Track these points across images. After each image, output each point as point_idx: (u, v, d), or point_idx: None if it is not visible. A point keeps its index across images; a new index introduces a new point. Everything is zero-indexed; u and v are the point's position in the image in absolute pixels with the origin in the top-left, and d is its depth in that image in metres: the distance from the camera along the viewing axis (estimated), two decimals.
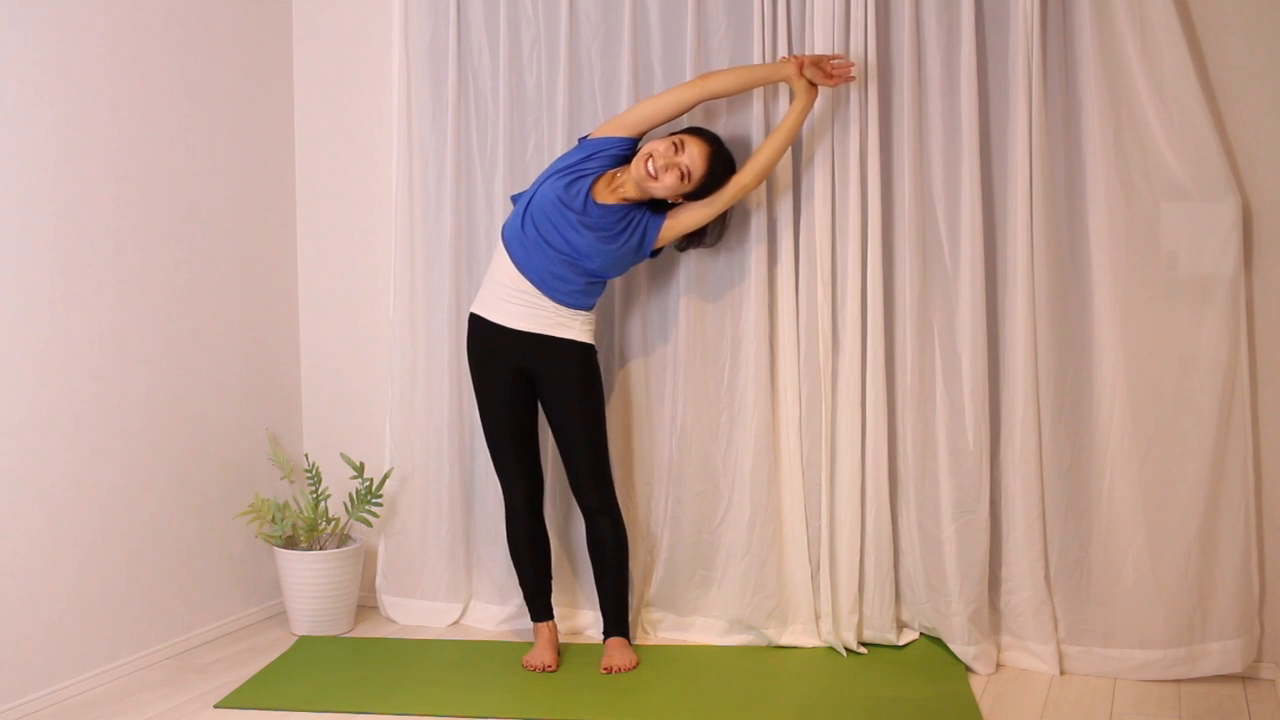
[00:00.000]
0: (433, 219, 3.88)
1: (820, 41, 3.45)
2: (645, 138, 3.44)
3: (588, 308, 3.45)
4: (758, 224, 3.56)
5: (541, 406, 3.51)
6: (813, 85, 3.36)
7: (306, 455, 4.07)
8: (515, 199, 3.52)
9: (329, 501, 3.97)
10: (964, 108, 3.38)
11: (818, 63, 3.33)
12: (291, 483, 3.99)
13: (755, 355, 3.57)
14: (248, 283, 3.92)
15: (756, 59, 3.51)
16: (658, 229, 3.42)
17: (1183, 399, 3.28)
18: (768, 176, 3.45)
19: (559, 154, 3.69)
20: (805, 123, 3.45)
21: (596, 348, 3.49)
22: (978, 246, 3.39)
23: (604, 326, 3.73)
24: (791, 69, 3.34)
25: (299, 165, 4.12)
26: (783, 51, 3.51)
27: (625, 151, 3.40)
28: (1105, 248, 3.31)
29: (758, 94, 3.53)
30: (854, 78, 3.39)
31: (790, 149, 3.50)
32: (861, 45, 3.43)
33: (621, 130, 3.40)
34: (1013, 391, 3.39)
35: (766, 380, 3.57)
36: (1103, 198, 3.30)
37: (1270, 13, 3.22)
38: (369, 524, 3.90)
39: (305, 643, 3.75)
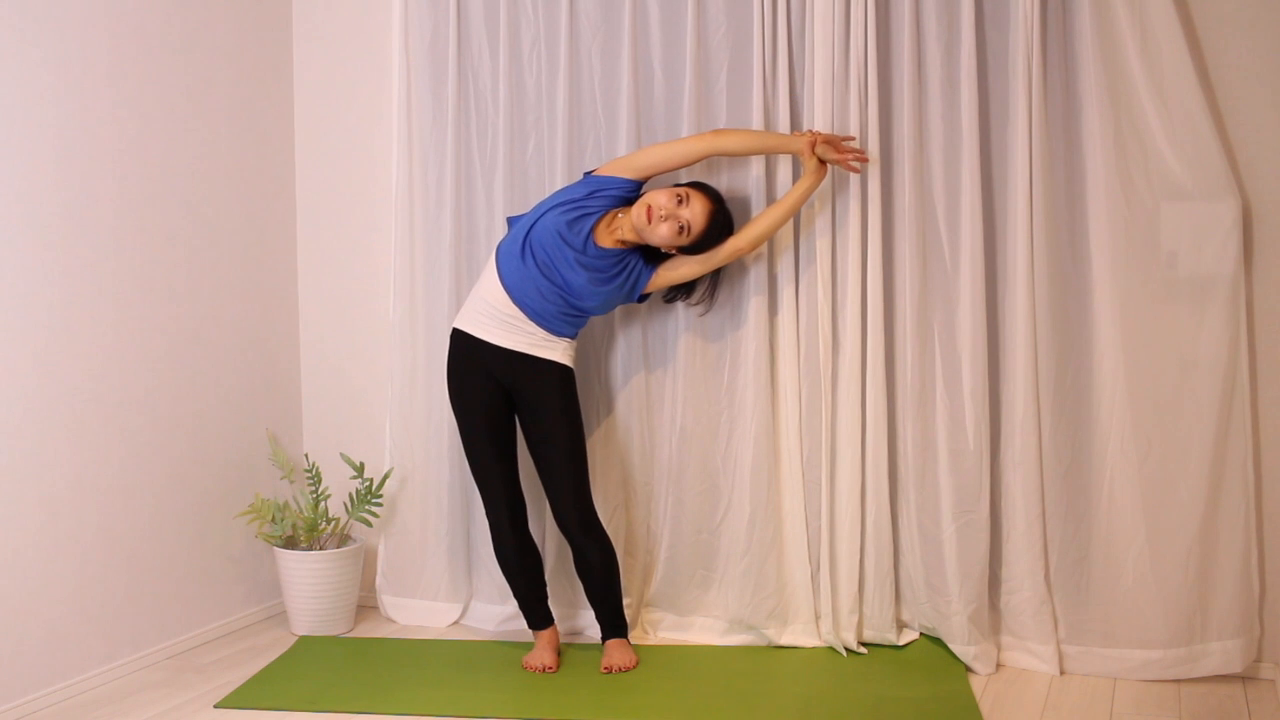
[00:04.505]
0: (433, 219, 3.88)
1: (820, 41, 3.45)
2: (649, 183, 3.44)
3: (571, 335, 3.45)
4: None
5: (521, 427, 3.50)
6: (822, 165, 3.37)
7: (306, 455, 4.07)
8: (511, 221, 3.51)
9: (329, 501, 3.97)
10: (964, 108, 3.38)
11: (830, 141, 3.35)
12: (291, 483, 4.00)
13: (755, 355, 3.57)
14: (248, 283, 3.92)
15: (756, 60, 3.51)
16: (649, 277, 3.44)
17: (1183, 399, 3.28)
18: (762, 245, 3.47)
19: (559, 154, 3.70)
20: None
21: (576, 370, 3.49)
22: (978, 246, 3.39)
23: (604, 326, 3.73)
24: (804, 144, 3.35)
25: (299, 165, 4.12)
26: (782, 54, 3.50)
27: (628, 194, 3.39)
28: (1105, 248, 3.31)
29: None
30: (860, 168, 3.40)
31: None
32: (862, 45, 3.43)
33: (626, 172, 3.40)
34: (1013, 391, 3.39)
35: (766, 380, 3.57)
36: (1103, 198, 3.30)
37: (1270, 13, 3.22)
38: (369, 524, 3.90)
39: (305, 643, 3.75)
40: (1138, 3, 3.23)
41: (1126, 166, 3.28)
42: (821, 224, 3.51)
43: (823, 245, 3.51)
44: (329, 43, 4.07)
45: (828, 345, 3.52)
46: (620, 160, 3.44)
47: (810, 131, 3.39)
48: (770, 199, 3.54)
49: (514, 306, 3.37)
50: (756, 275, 3.57)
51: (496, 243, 3.69)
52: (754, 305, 3.57)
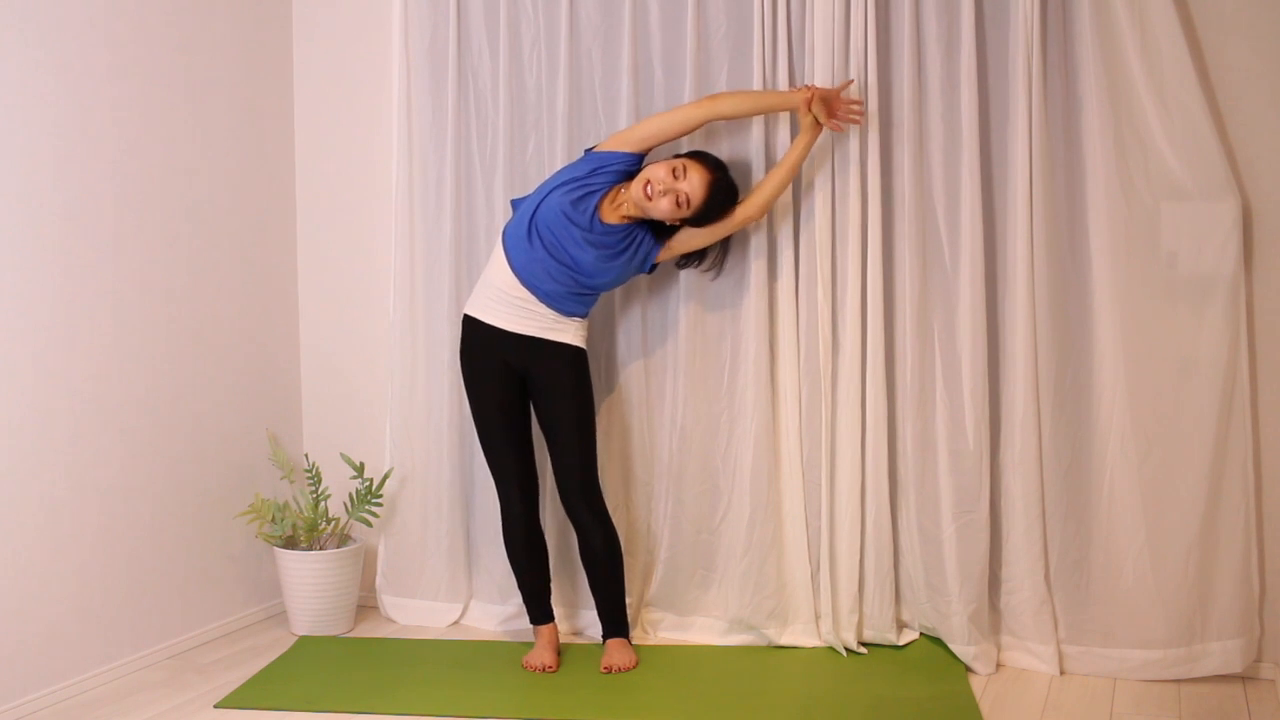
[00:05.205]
0: (433, 219, 3.88)
1: (820, 41, 3.45)
2: (651, 155, 3.44)
3: (582, 315, 3.45)
4: (757, 225, 3.55)
5: (534, 410, 3.51)
6: (818, 122, 3.37)
7: (306, 455, 4.07)
8: (515, 204, 3.52)
9: (329, 501, 3.97)
10: (964, 108, 3.38)
11: (826, 98, 3.34)
12: (291, 483, 3.99)
13: (755, 355, 3.57)
14: (248, 283, 3.92)
15: (756, 60, 3.51)
16: (658, 249, 3.45)
17: (1183, 399, 3.28)
18: (769, 209, 3.47)
19: (559, 154, 3.69)
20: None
21: (588, 352, 3.49)
22: (978, 246, 3.39)
23: (604, 325, 3.73)
24: (801, 99, 3.35)
25: (299, 165, 4.12)
26: (782, 54, 3.50)
27: (630, 168, 3.39)
28: (1105, 248, 3.31)
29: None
30: (860, 121, 3.40)
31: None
32: (861, 46, 3.43)
33: (627, 146, 3.39)
34: (1013, 391, 3.39)
35: (766, 380, 3.57)
36: (1103, 198, 3.30)
37: (1270, 13, 3.22)
38: (369, 524, 3.90)
39: (305, 643, 3.75)
40: (1138, 3, 3.23)
41: (1126, 166, 3.28)
42: (821, 223, 3.51)
43: (823, 245, 3.51)
44: (329, 43, 4.07)
45: (828, 345, 3.52)
46: (620, 134, 3.44)
47: (807, 87, 3.38)
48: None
49: (524, 289, 3.37)
50: (757, 275, 3.56)
51: (496, 243, 3.69)
52: (754, 306, 3.57)
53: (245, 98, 3.90)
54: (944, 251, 3.45)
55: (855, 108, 3.39)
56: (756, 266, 3.57)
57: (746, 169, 3.54)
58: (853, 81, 3.41)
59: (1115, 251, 3.30)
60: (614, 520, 3.64)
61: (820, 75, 3.45)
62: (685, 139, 3.50)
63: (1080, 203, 3.34)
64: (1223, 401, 3.24)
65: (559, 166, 3.68)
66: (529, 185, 3.76)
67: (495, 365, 3.44)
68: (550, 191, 3.37)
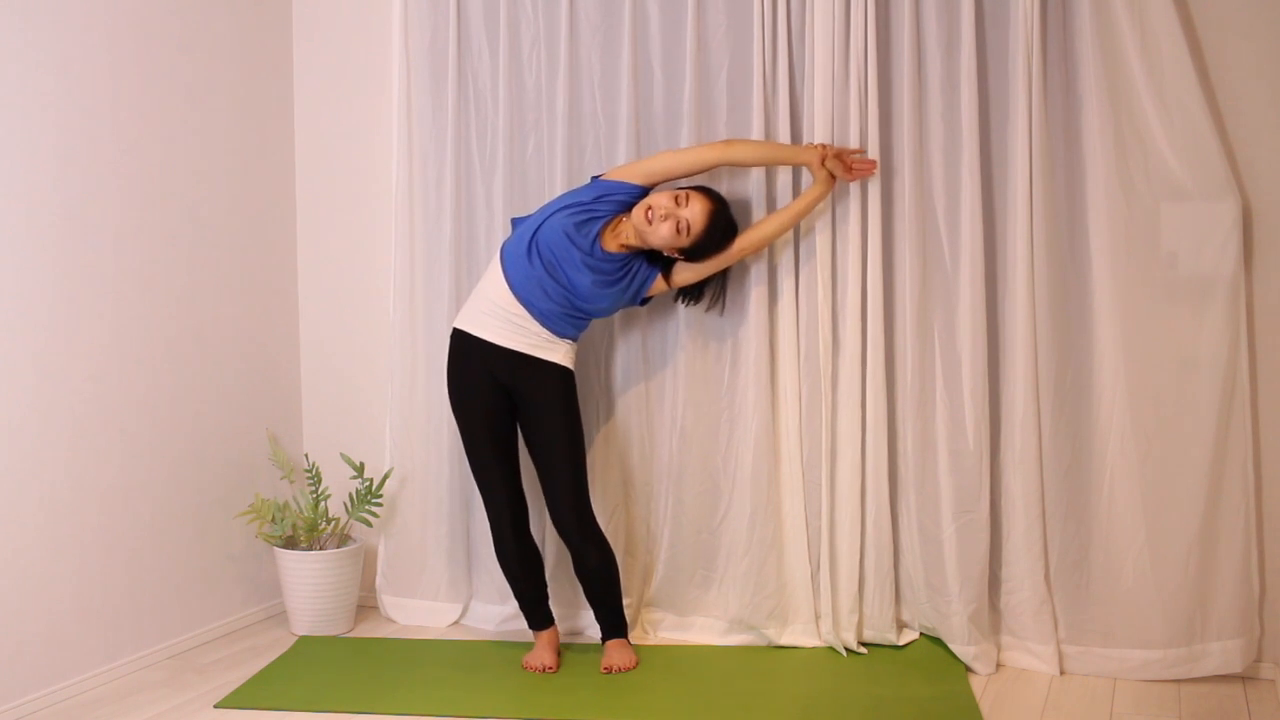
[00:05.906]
0: (433, 219, 3.88)
1: (820, 41, 3.45)
2: (655, 189, 3.44)
3: (573, 338, 3.45)
4: None
5: (521, 428, 3.50)
6: (832, 176, 3.38)
7: (306, 455, 4.07)
8: (516, 222, 3.51)
9: (329, 501, 3.97)
10: (964, 108, 3.38)
11: (840, 155, 3.36)
12: (291, 483, 3.99)
13: (755, 355, 3.57)
14: (248, 283, 3.92)
15: (756, 60, 3.51)
16: (653, 280, 3.45)
17: (1183, 399, 3.28)
18: (765, 247, 3.48)
19: (559, 154, 3.70)
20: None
21: (578, 372, 3.49)
22: (978, 246, 3.39)
23: (604, 326, 3.73)
24: (814, 156, 3.36)
25: (299, 165, 4.12)
26: (782, 54, 3.51)
27: (633, 200, 3.39)
28: (1105, 248, 3.31)
29: None
30: (872, 173, 3.41)
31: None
32: (861, 45, 3.43)
33: (633, 178, 3.39)
34: (1013, 391, 3.39)
35: (766, 380, 3.57)
36: (1103, 198, 3.30)
37: (1270, 13, 3.22)
38: (369, 524, 3.90)
39: (305, 643, 3.75)
40: (1138, 3, 3.23)
41: (1126, 166, 3.28)
42: (821, 224, 3.51)
43: (823, 245, 3.51)
44: (329, 43, 4.07)
45: (828, 345, 3.52)
46: (628, 166, 3.44)
47: (820, 145, 3.39)
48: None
49: (519, 305, 3.36)
50: (757, 277, 3.57)
51: (496, 243, 3.70)
52: (754, 306, 3.57)
53: (245, 98, 3.90)
54: (944, 251, 3.45)
55: (869, 162, 3.40)
56: (756, 267, 3.57)
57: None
58: (862, 151, 3.42)
59: (1115, 251, 3.30)
60: (614, 521, 3.66)
61: (820, 75, 3.45)
62: (685, 180, 3.49)
63: (1080, 203, 3.34)
64: (1223, 401, 3.25)
65: (559, 167, 3.69)
66: (529, 185, 3.77)
67: (484, 379, 3.42)
68: (554, 213, 3.37)
